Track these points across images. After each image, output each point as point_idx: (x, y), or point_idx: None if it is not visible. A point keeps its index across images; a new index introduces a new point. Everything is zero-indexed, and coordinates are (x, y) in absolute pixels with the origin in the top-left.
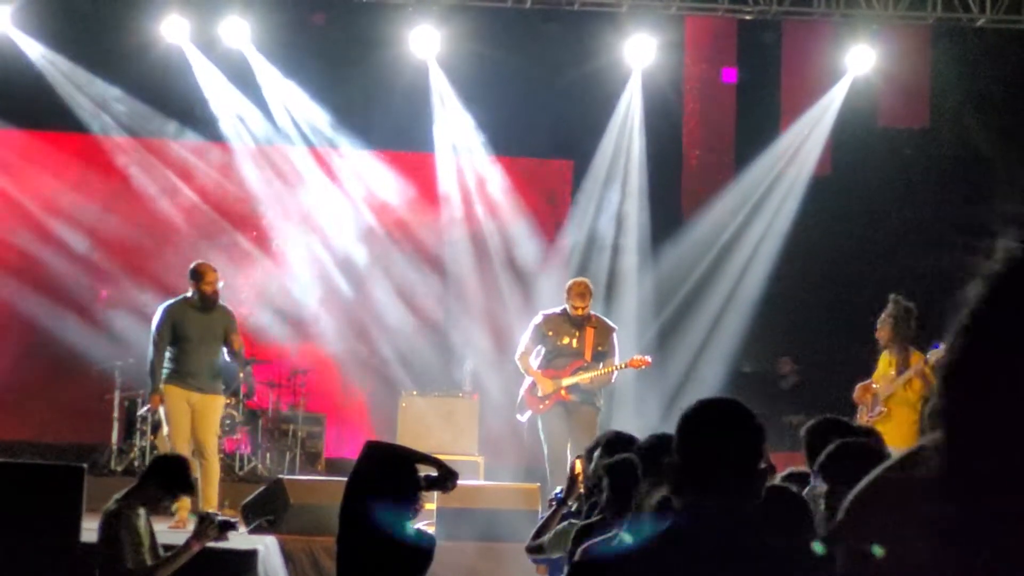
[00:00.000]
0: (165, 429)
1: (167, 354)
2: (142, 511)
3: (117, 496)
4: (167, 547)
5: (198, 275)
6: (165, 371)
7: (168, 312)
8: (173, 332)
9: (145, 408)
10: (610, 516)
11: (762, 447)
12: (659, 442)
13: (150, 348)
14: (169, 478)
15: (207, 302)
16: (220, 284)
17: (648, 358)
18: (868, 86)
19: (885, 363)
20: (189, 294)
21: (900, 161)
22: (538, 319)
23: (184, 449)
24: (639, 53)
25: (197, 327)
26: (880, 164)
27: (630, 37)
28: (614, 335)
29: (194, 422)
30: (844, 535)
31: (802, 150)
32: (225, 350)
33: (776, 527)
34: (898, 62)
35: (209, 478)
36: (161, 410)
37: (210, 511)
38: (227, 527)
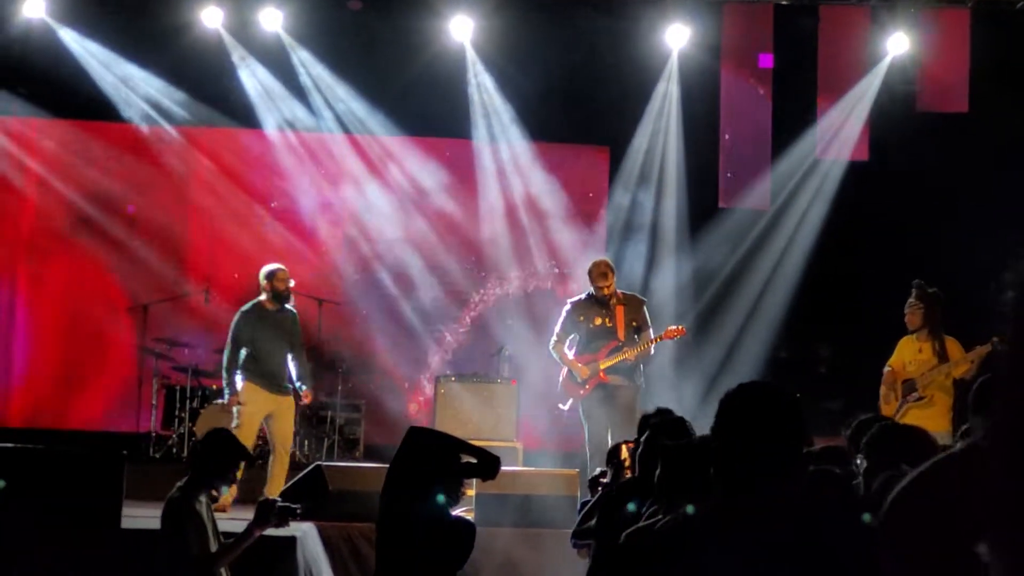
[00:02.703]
0: (235, 422)
1: (243, 354)
2: (203, 498)
3: (179, 483)
4: (226, 534)
5: (271, 274)
6: (246, 371)
7: (245, 315)
8: (252, 333)
9: (221, 401)
10: (662, 501)
11: (804, 431)
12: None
13: (227, 349)
14: (225, 451)
15: (282, 299)
16: (291, 282)
17: (683, 327)
18: (906, 71)
19: (913, 348)
20: (263, 296)
21: (938, 146)
22: (567, 307)
23: (249, 444)
24: (676, 39)
25: (272, 328)
26: (918, 149)
27: (667, 23)
28: (645, 307)
29: (274, 421)
30: (888, 529)
31: (839, 135)
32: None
33: (821, 510)
34: (936, 46)
35: (282, 469)
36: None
37: (271, 497)
38: (287, 513)
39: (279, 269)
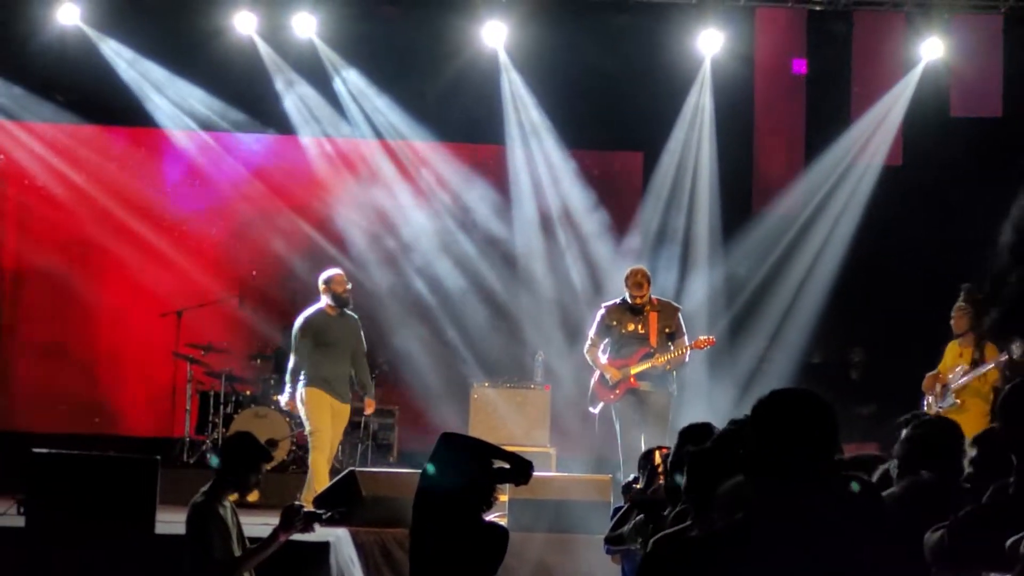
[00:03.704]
0: (307, 427)
1: (307, 360)
2: (228, 503)
3: (204, 488)
4: (252, 540)
5: (328, 279)
6: (308, 376)
7: (308, 320)
8: (315, 339)
9: (282, 404)
10: (691, 507)
11: (836, 437)
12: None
13: (292, 354)
14: (247, 453)
15: (342, 303)
16: (349, 285)
17: (712, 337)
18: (939, 76)
19: (955, 353)
20: (322, 302)
21: (972, 151)
22: (601, 311)
23: (327, 449)
24: (709, 45)
25: (335, 333)
26: (952, 154)
27: (700, 29)
28: (679, 314)
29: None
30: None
31: (873, 140)
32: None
33: (849, 516)
34: (970, 51)
35: (323, 476)
36: (302, 411)
37: (296, 503)
38: (313, 518)
39: (336, 273)
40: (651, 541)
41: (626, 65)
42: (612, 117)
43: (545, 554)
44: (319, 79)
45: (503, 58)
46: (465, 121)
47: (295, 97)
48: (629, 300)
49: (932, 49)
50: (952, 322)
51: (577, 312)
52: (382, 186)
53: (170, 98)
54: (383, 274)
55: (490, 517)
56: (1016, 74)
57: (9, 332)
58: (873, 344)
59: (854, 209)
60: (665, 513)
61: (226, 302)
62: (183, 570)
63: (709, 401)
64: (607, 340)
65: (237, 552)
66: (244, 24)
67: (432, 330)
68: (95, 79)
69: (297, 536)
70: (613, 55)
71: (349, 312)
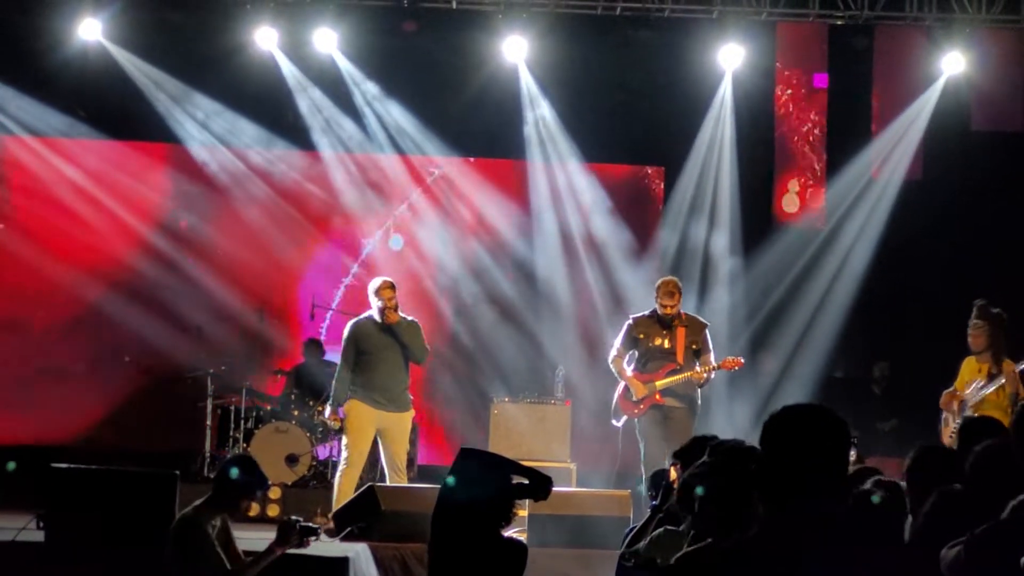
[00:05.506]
0: (345, 439)
1: (354, 370)
2: (218, 520)
3: (196, 503)
4: (248, 553)
5: (376, 291)
6: (353, 387)
7: (354, 327)
8: (356, 347)
9: (324, 417)
10: (699, 528)
11: (847, 452)
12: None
13: (339, 363)
14: (243, 477)
15: (385, 317)
16: (393, 301)
17: (741, 359)
18: (961, 90)
19: (973, 368)
20: (373, 310)
21: (993, 165)
22: (629, 322)
23: (359, 464)
24: (730, 59)
25: (378, 342)
26: (973, 168)
27: (721, 43)
28: (707, 331)
29: (382, 440)
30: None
31: (894, 154)
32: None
33: (864, 531)
34: (991, 66)
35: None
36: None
37: (292, 517)
38: (308, 533)
39: (383, 287)
40: (674, 559)
41: (647, 79)
42: (633, 131)
43: (564, 570)
44: (340, 94)
45: (524, 73)
46: (485, 136)
47: (316, 112)
48: (659, 311)
49: (953, 63)
50: (970, 339)
51: (597, 327)
52: (402, 201)
53: (190, 113)
54: (403, 288)
55: (509, 532)
56: None
57: (28, 346)
58: (895, 359)
59: (875, 223)
60: (681, 528)
61: (246, 317)
62: None
63: (730, 415)
64: (632, 352)
65: (229, 566)
66: (265, 39)
67: (452, 345)
68: (116, 94)
69: (317, 551)
70: (634, 69)
71: (406, 317)
